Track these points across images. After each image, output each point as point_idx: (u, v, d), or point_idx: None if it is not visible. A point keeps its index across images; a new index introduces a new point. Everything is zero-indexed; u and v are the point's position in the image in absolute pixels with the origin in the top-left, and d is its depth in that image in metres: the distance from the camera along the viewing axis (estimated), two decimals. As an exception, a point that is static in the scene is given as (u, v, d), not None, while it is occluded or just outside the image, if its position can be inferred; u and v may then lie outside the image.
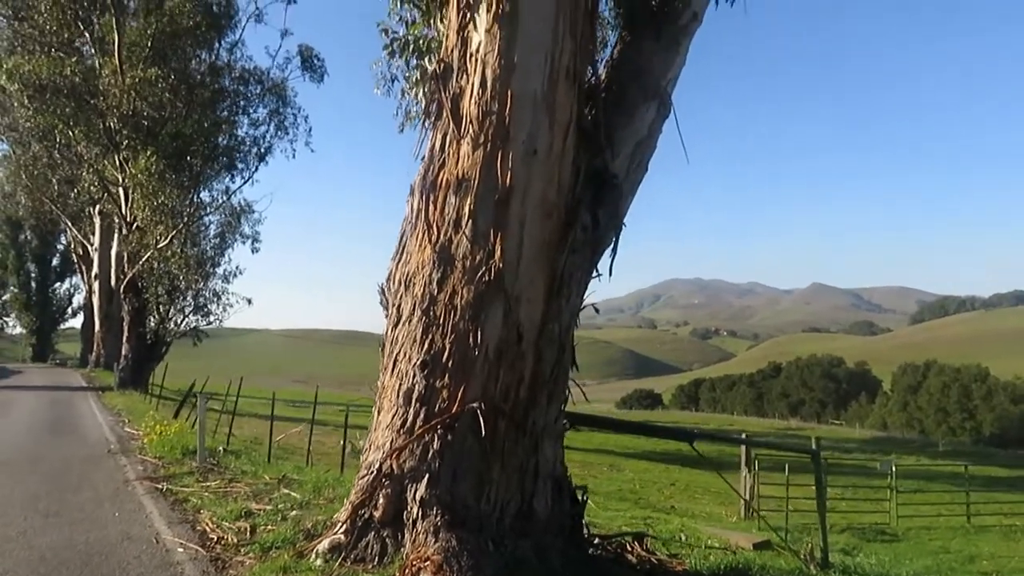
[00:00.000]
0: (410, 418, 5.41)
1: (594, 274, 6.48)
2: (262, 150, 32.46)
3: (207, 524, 6.77)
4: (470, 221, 5.52)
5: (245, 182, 32.16)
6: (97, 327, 43.09)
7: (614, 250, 6.55)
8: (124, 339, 29.87)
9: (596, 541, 7.07)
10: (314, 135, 33.47)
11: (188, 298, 30.67)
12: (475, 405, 5.27)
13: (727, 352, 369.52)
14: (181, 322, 31.01)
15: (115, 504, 7.70)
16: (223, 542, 6.21)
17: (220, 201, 32.29)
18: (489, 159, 5.55)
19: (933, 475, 30.27)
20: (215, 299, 31.72)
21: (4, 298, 74.30)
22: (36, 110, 27.05)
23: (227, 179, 32.00)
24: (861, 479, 23.32)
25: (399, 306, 5.75)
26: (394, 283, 5.89)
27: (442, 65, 5.89)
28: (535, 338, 5.60)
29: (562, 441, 6.03)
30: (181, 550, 5.93)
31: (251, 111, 32.31)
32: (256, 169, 32.19)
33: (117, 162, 28.83)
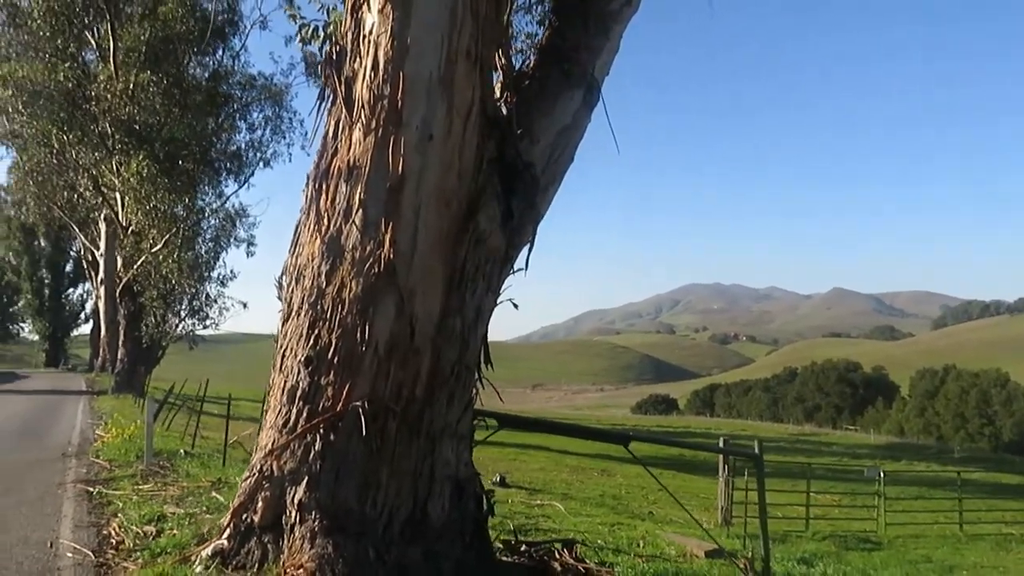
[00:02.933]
0: (292, 417, 5.13)
1: (512, 269, 6.24)
2: (266, 155, 32.56)
3: (114, 528, 6.54)
4: (360, 210, 5.24)
5: (241, 186, 32.23)
6: (103, 332, 43.29)
7: (531, 243, 6.28)
8: (120, 343, 29.93)
9: (523, 548, 6.79)
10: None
11: (184, 302, 30.67)
12: (358, 404, 4.99)
13: (746, 357, 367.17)
14: (176, 326, 31.01)
15: (34, 507, 7.49)
16: (121, 546, 5.97)
17: (214, 205, 32.37)
18: (381, 145, 5.26)
19: (942, 482, 29.56)
20: (212, 303, 31.74)
21: (18, 304, 75.29)
22: (31, 115, 27.19)
23: (223, 183, 32.08)
24: (862, 485, 22.69)
25: (290, 300, 5.48)
26: (288, 276, 5.63)
27: (337, 48, 5.64)
28: (433, 334, 5.30)
29: (468, 442, 5.72)
30: (70, 555, 5.69)
31: (248, 116, 32.39)
32: (252, 173, 32.25)
33: (114, 167, 28.93)
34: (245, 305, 33.02)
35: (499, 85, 6.53)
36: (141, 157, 26.16)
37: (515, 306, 6.35)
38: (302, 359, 5.18)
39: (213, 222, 32.90)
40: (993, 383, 70.53)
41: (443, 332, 5.34)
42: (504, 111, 6.23)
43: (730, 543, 9.88)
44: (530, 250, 6.23)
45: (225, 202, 32.95)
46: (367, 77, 5.36)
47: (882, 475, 16.71)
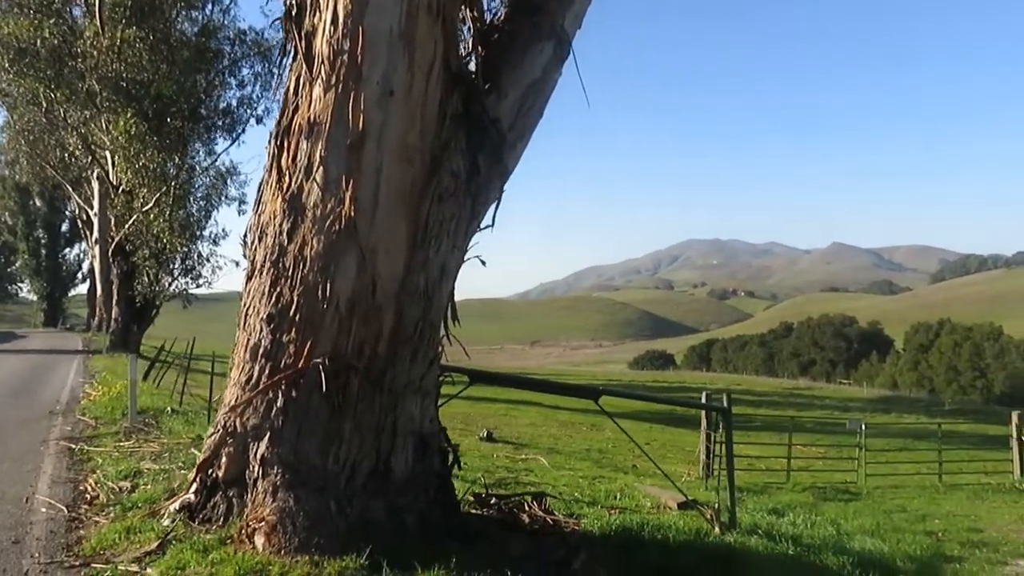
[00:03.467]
0: (255, 374, 5.19)
1: (479, 226, 6.24)
2: (258, 111, 32.22)
3: (90, 484, 6.65)
4: (321, 167, 5.23)
5: (232, 143, 31.95)
6: (99, 291, 43.38)
7: (499, 199, 6.27)
8: (114, 302, 30.02)
9: (493, 501, 6.91)
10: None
11: (176, 261, 30.62)
12: (318, 360, 5.03)
13: (744, 313, 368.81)
14: (170, 284, 31.02)
15: (16, 464, 7.61)
16: (95, 501, 6.09)
17: (205, 163, 32.12)
18: (341, 101, 5.22)
19: (928, 434, 29.89)
20: (204, 262, 31.69)
21: (16, 264, 75.27)
22: (17, 73, 26.84)
23: (214, 140, 31.83)
24: (848, 438, 22.99)
25: (253, 258, 5.49)
26: (251, 234, 5.63)
27: (296, 2, 5.55)
28: (396, 291, 5.33)
29: (433, 398, 5.77)
30: (44, 510, 5.81)
31: (238, 72, 31.97)
32: (243, 131, 31.96)
33: (103, 125, 28.67)
34: (238, 264, 32.87)
35: (470, 40, 6.47)
36: (129, 115, 25.89)
37: (483, 263, 6.35)
38: (264, 317, 5.21)
39: (204, 180, 32.74)
40: (986, 336, 70.97)
41: (406, 289, 5.37)
42: (472, 66, 6.18)
43: (707, 495, 10.03)
44: (497, 206, 6.22)
45: (215, 160, 32.73)
46: (326, 31, 5.30)
47: (863, 427, 16.93)
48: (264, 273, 5.31)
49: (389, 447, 5.31)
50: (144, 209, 27.99)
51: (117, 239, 29.28)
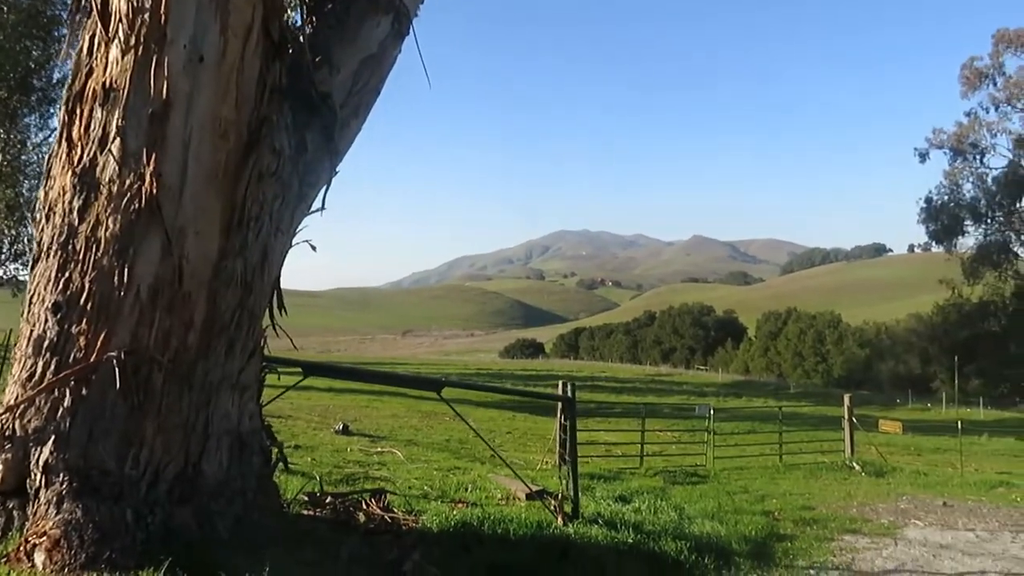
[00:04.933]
0: (39, 370, 4.58)
1: (308, 208, 5.85)
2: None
3: None
4: (118, 139, 4.67)
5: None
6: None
7: (329, 180, 5.90)
8: (-71, 291, 27.17)
9: (328, 500, 6.56)
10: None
11: (3, 244, 27.97)
12: (113, 354, 4.51)
13: (611, 302, 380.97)
14: (-6, 270, 28.35)
15: None
16: None
17: (38, 138, 29.49)
18: (142, 65, 4.68)
19: (774, 416, 31.69)
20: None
21: None
22: None
23: (49, 115, 29.24)
24: (700, 422, 23.88)
25: (40, 239, 4.87)
26: (39, 213, 4.99)
27: (91, -49, 4.95)
28: (208, 277, 4.86)
29: (254, 393, 5.35)
30: None
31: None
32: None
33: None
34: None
35: (302, 9, 6.06)
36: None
37: (313, 248, 5.96)
38: (50, 305, 4.62)
39: (37, 157, 29.96)
40: (827, 324, 76.48)
41: (221, 276, 4.92)
42: (302, 37, 5.77)
43: (557, 484, 10.05)
44: (327, 188, 5.86)
45: (50, 135, 30.05)
46: (126, -13, 4.74)
47: (712, 412, 17.61)
48: (51, 256, 4.70)
49: (200, 448, 4.85)
50: (-36, 187, 25.38)
51: (-68, 220, 26.45)
